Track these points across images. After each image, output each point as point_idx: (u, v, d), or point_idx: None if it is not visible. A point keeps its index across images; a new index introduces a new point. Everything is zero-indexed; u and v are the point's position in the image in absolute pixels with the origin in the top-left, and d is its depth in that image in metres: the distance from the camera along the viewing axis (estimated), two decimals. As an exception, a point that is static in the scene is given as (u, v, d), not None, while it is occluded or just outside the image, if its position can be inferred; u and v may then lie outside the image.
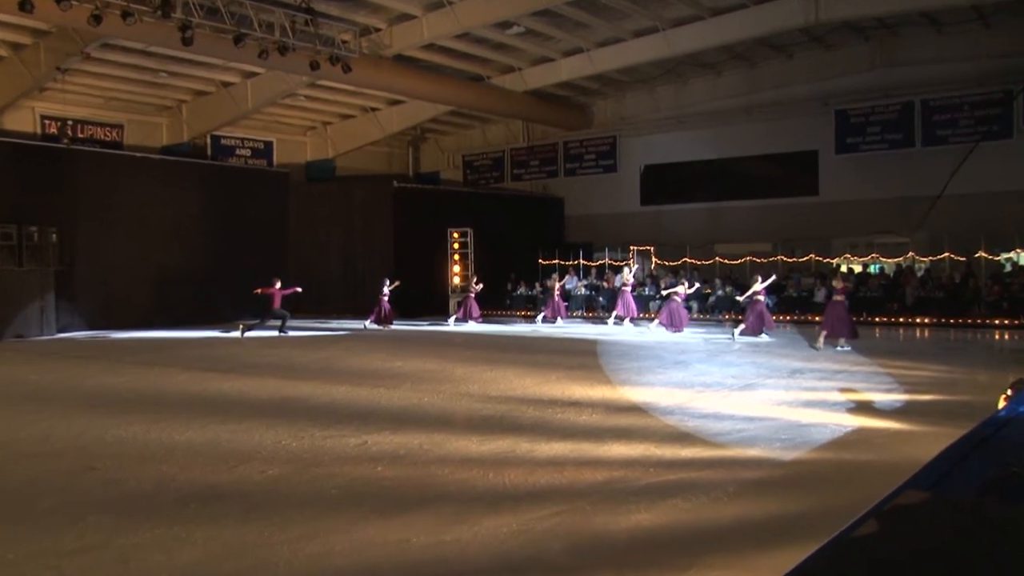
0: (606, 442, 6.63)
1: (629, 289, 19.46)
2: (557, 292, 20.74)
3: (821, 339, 13.68)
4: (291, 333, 17.49)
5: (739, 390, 9.39)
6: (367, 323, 18.94)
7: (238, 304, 20.53)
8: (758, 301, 15.45)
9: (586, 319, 22.26)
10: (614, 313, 19.60)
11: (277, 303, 17.58)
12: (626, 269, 20.00)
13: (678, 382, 10.08)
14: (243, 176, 23.01)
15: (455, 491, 5.29)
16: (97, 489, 5.41)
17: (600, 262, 24.98)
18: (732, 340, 15.30)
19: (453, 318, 20.33)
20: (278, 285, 17.61)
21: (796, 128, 22.94)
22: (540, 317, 20.62)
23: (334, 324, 20.91)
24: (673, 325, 17.33)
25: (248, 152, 25.43)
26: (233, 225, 21.42)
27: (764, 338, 15.47)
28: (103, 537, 4.48)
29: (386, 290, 19.13)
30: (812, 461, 6.02)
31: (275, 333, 17.36)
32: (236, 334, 17.22)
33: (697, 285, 19.03)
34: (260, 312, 17.98)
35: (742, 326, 15.61)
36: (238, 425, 7.39)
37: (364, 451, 6.40)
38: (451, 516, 4.76)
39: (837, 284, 14.14)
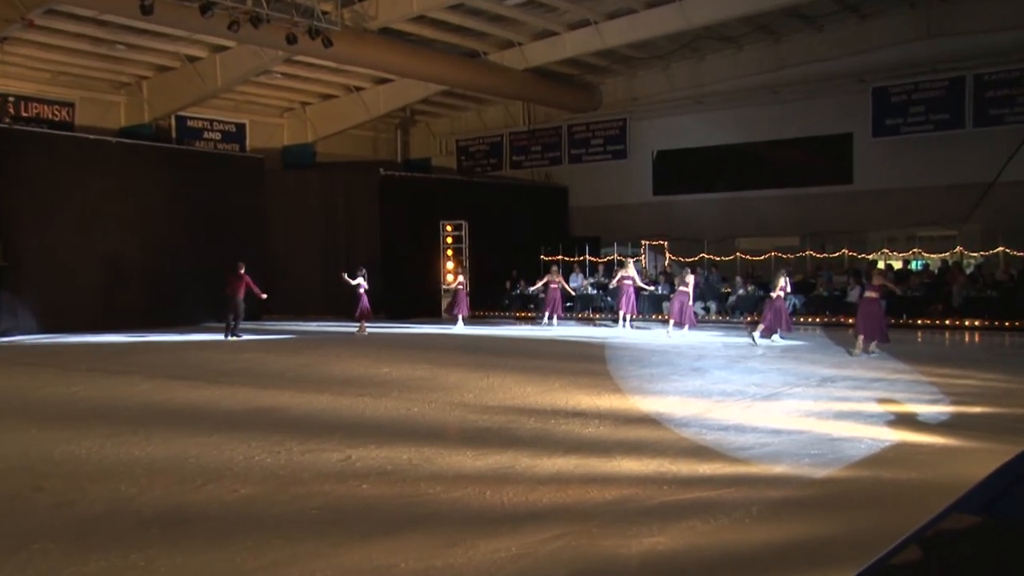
0: (615, 457, 6.62)
1: (630, 284, 19.45)
2: (555, 287, 20.71)
3: (860, 344, 13.58)
4: (252, 337, 17.38)
5: (763, 400, 9.39)
6: (362, 326, 18.76)
7: (205, 304, 20.50)
8: (778, 297, 15.45)
9: (581, 320, 22.24)
10: (622, 314, 19.59)
11: (241, 293, 17.18)
12: (630, 263, 19.98)
13: (695, 390, 10.07)
14: (212, 162, 22.98)
15: (448, 511, 5.28)
16: (44, 513, 5.37)
17: (608, 258, 24.99)
18: (754, 344, 15.31)
19: (460, 320, 20.26)
20: (242, 270, 17.20)
21: (828, 109, 22.92)
22: (546, 318, 20.61)
23: (314, 326, 20.89)
24: (679, 321, 17.47)
25: (217, 135, 25.42)
26: (201, 217, 21.37)
27: (777, 340, 15.45)
28: (49, 567, 4.44)
29: (362, 282, 18.60)
30: (845, 480, 6.00)
31: (234, 336, 17.20)
32: (233, 337, 17.16)
33: (692, 278, 18.50)
34: (222, 309, 17.77)
35: (760, 326, 15.62)
36: (207, 439, 7.37)
37: (347, 467, 6.39)
38: (443, 539, 4.74)
39: (876, 280, 14.00)
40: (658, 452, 6.78)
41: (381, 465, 6.43)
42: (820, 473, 6.14)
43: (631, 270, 19.59)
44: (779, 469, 6.26)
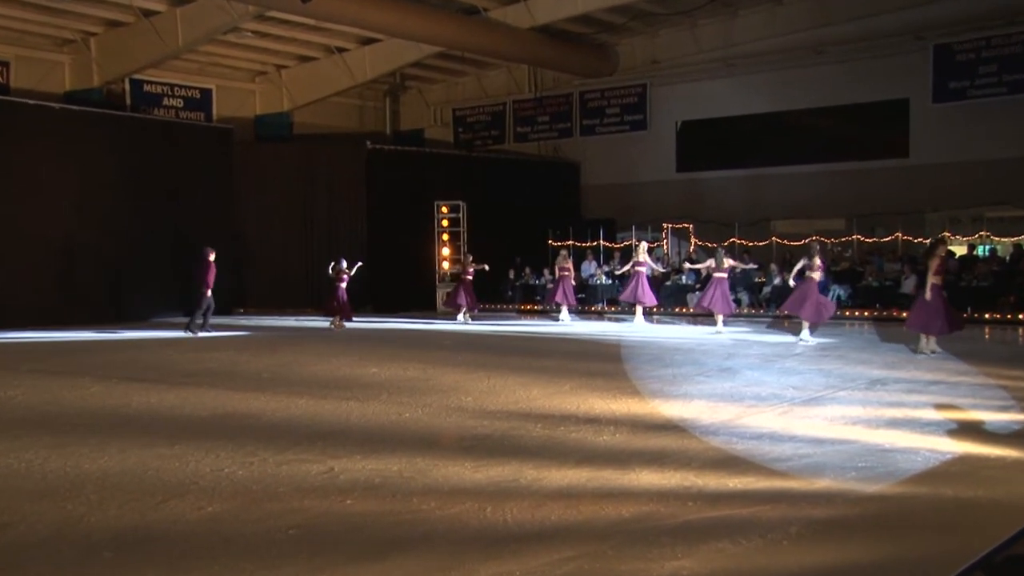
0: (633, 469, 6.63)
1: (645, 271, 19.35)
2: (565, 273, 20.65)
3: (930, 342, 13.43)
4: (218, 334, 17.33)
5: (802, 404, 9.38)
6: (338, 321, 18.70)
7: (167, 296, 20.50)
8: (810, 279, 15.27)
9: (594, 314, 22.24)
10: (639, 309, 19.46)
11: (210, 283, 17.16)
12: (642, 246, 19.84)
13: (724, 394, 10.08)
14: (173, 133, 22.93)
15: (443, 531, 5.28)
16: (-23, 537, 5.36)
17: (625, 243, 24.96)
18: (797, 341, 15.25)
19: (463, 314, 20.26)
20: (212, 257, 17.24)
21: (881, 71, 22.77)
22: (566, 313, 20.56)
23: (292, 321, 20.90)
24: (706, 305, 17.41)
25: (179, 102, 25.37)
26: (160, 196, 21.32)
27: (805, 338, 15.27)
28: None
29: (344, 275, 18.64)
30: (899, 497, 5.99)
31: (193, 332, 17.24)
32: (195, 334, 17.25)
33: (708, 262, 18.29)
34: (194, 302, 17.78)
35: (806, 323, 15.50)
36: (168, 449, 7.37)
37: (330, 480, 6.39)
38: (438, 562, 4.74)
39: (936, 261, 13.32)
40: (682, 463, 6.78)
41: (368, 478, 6.43)
42: (869, 489, 6.13)
43: (642, 255, 19.44)
44: (821, 484, 6.25)
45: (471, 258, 20.93)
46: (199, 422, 8.68)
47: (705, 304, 17.63)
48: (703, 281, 21.87)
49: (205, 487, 6.24)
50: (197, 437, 7.83)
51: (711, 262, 18.05)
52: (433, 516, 5.55)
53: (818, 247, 15.90)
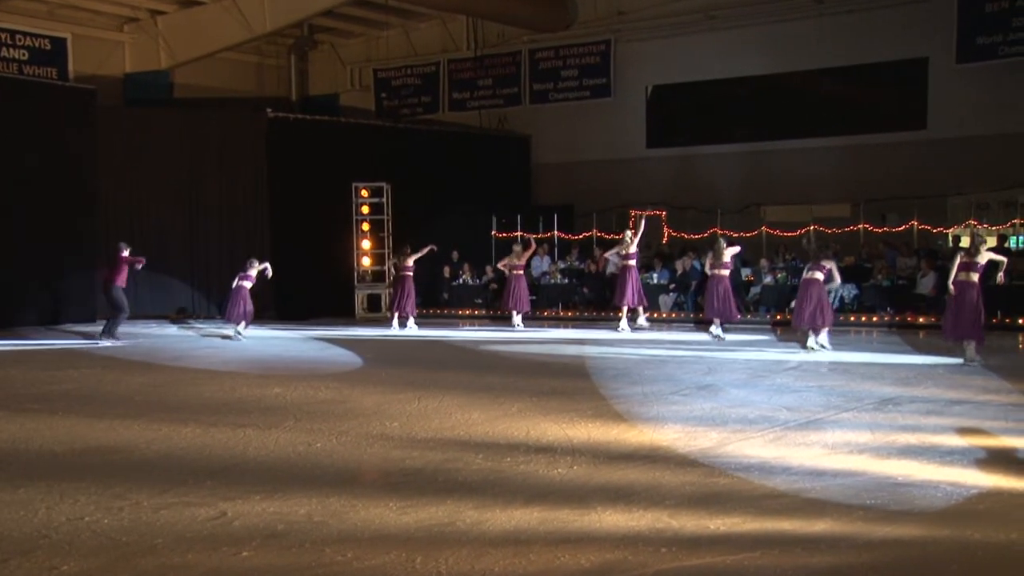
0: (594, 508, 6.66)
1: (635, 264, 19.29)
2: (518, 272, 20.69)
3: (970, 349, 13.63)
4: (115, 343, 17.39)
5: (798, 429, 9.47)
6: (238, 329, 18.52)
7: (12, 298, 20.11)
8: (815, 281, 15.42)
9: (550, 320, 22.32)
10: (626, 308, 19.24)
11: (121, 280, 17.74)
12: (628, 234, 19.67)
13: (704, 416, 10.15)
14: (15, 93, 22.37)
15: (361, 588, 5.26)
16: None
17: (585, 234, 25.04)
18: (816, 347, 15.34)
19: (397, 319, 20.24)
20: (126, 252, 17.87)
21: (893, 24, 23.13)
22: (517, 319, 20.56)
23: (173, 330, 20.67)
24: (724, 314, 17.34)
25: (23, 54, 24.90)
26: (2, 172, 20.89)
27: (814, 347, 15.47)
28: None
29: (252, 273, 18.68)
30: (916, 541, 6.07)
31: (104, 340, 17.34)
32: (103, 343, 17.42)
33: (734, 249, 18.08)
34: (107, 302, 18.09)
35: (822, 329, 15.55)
36: (10, 495, 7.24)
37: (221, 528, 6.34)
38: (354, 628, 4.73)
39: (983, 256, 13.64)
40: (653, 501, 6.83)
41: (269, 524, 6.40)
42: (879, 531, 6.21)
43: (630, 245, 19.23)
44: (821, 525, 6.32)
45: (407, 249, 20.84)
46: (51, 459, 8.55)
47: (709, 314, 17.41)
48: (678, 281, 22.04)
49: (59, 541, 6.13)
50: (48, 478, 7.72)
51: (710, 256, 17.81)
52: (350, 569, 5.54)
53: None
